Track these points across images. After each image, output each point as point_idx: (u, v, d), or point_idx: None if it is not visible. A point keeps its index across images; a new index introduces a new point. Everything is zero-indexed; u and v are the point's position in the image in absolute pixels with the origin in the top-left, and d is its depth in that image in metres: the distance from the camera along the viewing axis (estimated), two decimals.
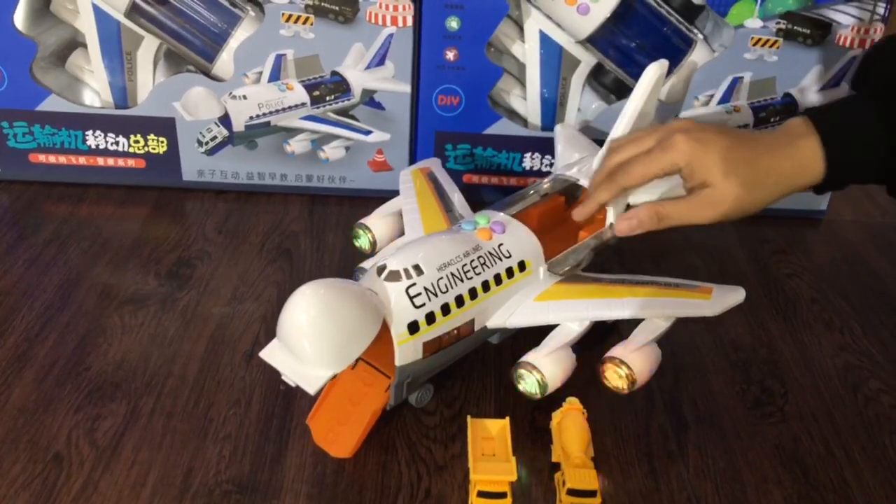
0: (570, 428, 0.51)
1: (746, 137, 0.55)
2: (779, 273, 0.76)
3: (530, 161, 0.81)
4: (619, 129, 0.63)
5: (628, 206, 0.63)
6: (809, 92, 0.78)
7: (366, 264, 0.61)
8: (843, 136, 0.54)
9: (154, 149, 0.80)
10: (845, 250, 0.80)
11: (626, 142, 0.58)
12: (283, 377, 0.48)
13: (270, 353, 0.49)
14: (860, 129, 0.54)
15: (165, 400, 0.57)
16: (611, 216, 0.62)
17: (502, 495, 0.48)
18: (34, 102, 0.77)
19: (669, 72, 0.74)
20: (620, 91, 0.80)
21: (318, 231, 0.77)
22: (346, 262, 0.72)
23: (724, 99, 0.78)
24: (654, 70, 0.62)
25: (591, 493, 0.48)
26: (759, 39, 0.75)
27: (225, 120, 0.77)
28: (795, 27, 0.74)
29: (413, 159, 0.81)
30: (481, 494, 0.48)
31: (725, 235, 0.81)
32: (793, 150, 0.54)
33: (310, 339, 0.46)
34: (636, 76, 0.63)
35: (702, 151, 0.53)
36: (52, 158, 0.80)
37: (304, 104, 0.78)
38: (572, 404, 0.53)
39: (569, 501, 0.49)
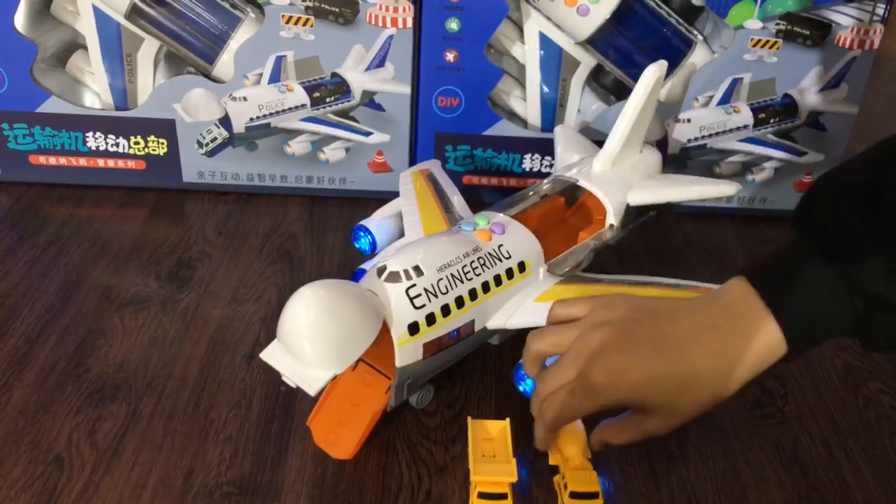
0: (567, 431, 0.51)
1: (683, 339, 0.45)
2: None
3: (530, 162, 0.81)
4: (618, 131, 0.64)
5: (628, 207, 0.63)
6: (809, 93, 0.78)
7: (365, 266, 0.61)
8: (801, 309, 0.44)
9: (154, 150, 0.80)
10: None
11: (549, 372, 0.48)
12: (283, 378, 0.48)
13: (271, 355, 0.49)
14: (819, 295, 0.44)
15: (166, 401, 0.57)
16: (611, 217, 0.62)
17: (503, 496, 0.48)
18: (34, 104, 0.77)
19: (669, 73, 0.74)
20: (620, 92, 0.80)
21: (318, 232, 0.77)
22: (346, 264, 0.72)
23: (724, 100, 0.78)
24: (653, 71, 0.62)
25: (594, 495, 0.48)
26: (759, 40, 0.75)
27: (225, 121, 0.78)
28: (795, 28, 0.74)
29: (413, 160, 0.81)
30: (482, 496, 0.48)
31: (725, 236, 0.81)
32: (744, 342, 0.44)
33: (310, 340, 0.46)
34: (636, 77, 0.63)
35: (629, 388, 0.45)
36: (52, 160, 0.80)
37: (304, 106, 0.78)
38: None
39: None
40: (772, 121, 0.79)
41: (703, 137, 0.79)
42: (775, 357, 0.45)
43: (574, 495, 0.48)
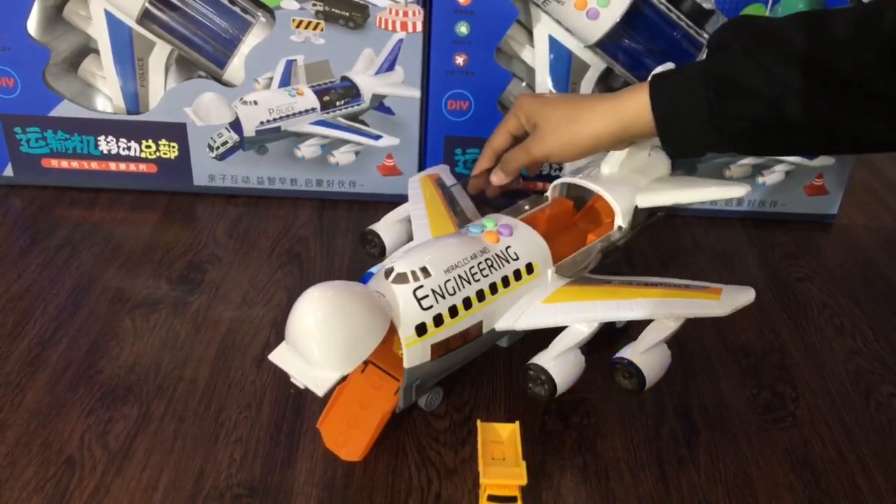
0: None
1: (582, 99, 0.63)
2: (789, 277, 0.76)
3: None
4: None
5: (636, 209, 0.63)
6: None
7: (375, 269, 0.61)
8: (669, 87, 0.56)
9: (165, 154, 0.80)
10: (856, 254, 0.80)
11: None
12: (291, 379, 0.48)
13: (279, 356, 0.49)
14: (685, 79, 0.56)
15: (177, 403, 0.57)
16: (619, 219, 0.62)
17: (512, 499, 0.48)
18: (47, 108, 0.78)
19: None
20: None
21: (328, 235, 0.78)
22: (355, 267, 0.72)
23: None
24: None
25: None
26: None
27: (236, 125, 0.78)
28: None
29: (422, 164, 0.81)
30: (491, 498, 0.48)
31: (735, 238, 0.80)
32: (618, 97, 0.58)
33: (318, 341, 0.46)
34: (645, 80, 0.63)
35: (536, 102, 0.62)
36: (64, 163, 0.81)
37: (314, 109, 0.78)
38: None
39: None
40: None
41: None
42: (644, 125, 0.57)
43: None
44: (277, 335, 0.64)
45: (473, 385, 0.60)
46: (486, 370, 0.61)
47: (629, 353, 0.54)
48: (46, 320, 0.65)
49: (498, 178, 0.65)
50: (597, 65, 0.78)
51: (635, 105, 0.57)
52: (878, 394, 0.62)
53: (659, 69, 0.60)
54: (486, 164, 0.67)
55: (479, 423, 0.51)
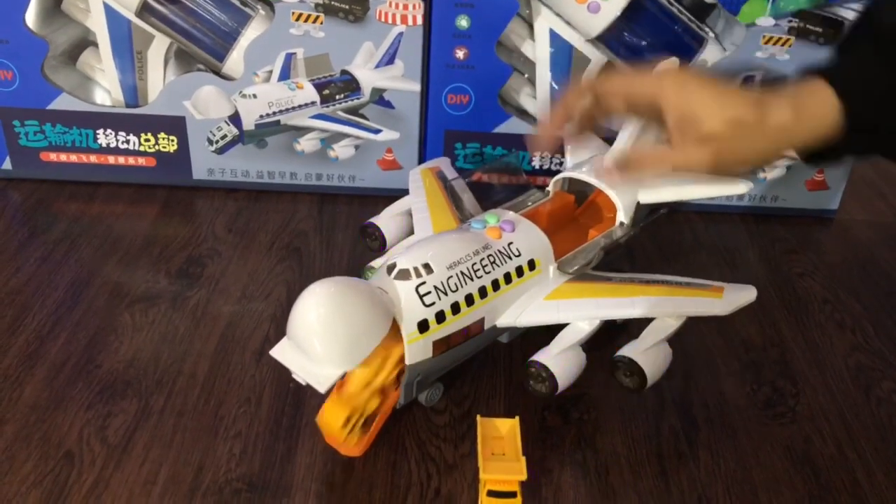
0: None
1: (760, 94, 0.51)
2: (790, 272, 0.75)
3: (539, 160, 0.81)
4: (629, 127, 0.63)
5: (638, 204, 0.63)
6: None
7: (375, 263, 0.61)
8: (858, 75, 0.48)
9: (164, 147, 0.80)
10: (857, 250, 0.80)
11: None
12: (293, 375, 0.48)
13: (281, 352, 0.49)
14: (879, 74, 0.48)
15: (176, 398, 0.57)
16: (621, 215, 0.62)
17: (512, 495, 0.48)
18: (45, 101, 0.78)
19: None
20: None
21: (328, 230, 0.77)
22: (355, 261, 0.72)
23: None
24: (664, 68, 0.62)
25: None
26: (771, 38, 0.74)
27: (235, 119, 0.78)
28: (807, 25, 0.74)
29: (422, 158, 0.81)
30: (491, 494, 0.48)
31: (736, 235, 0.80)
32: (802, 105, 0.48)
33: (320, 338, 0.46)
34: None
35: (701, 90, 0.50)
36: (63, 157, 0.81)
37: (313, 103, 0.78)
38: None
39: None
40: None
41: None
42: (829, 121, 0.47)
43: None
44: (277, 330, 0.64)
45: (473, 380, 0.60)
46: (486, 366, 0.61)
47: (630, 351, 0.53)
48: (45, 314, 0.64)
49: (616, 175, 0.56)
50: (598, 59, 0.78)
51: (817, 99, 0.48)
52: (878, 389, 0.62)
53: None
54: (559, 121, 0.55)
55: (478, 418, 0.51)
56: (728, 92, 0.49)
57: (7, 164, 0.81)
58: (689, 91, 0.49)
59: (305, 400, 0.57)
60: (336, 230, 0.77)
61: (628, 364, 0.53)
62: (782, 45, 0.75)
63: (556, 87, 0.79)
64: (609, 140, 0.67)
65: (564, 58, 0.78)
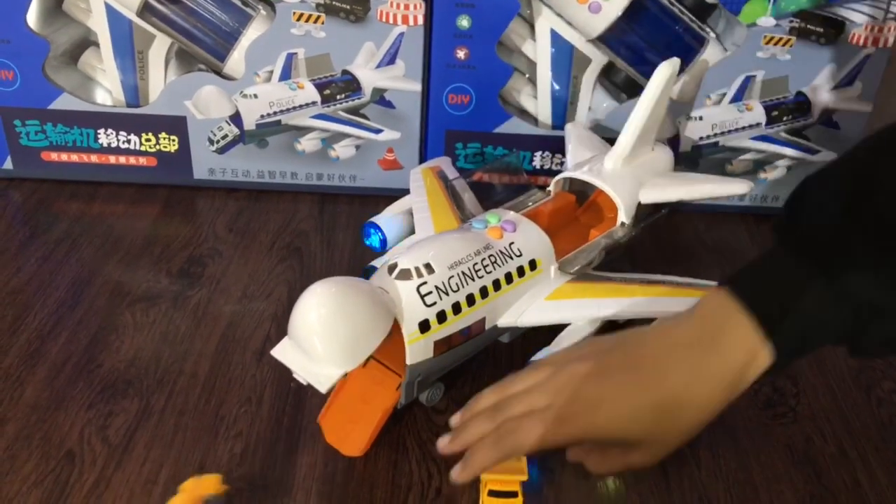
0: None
1: (657, 358, 0.41)
2: None
3: (540, 160, 0.81)
4: (630, 128, 0.63)
5: (640, 205, 0.63)
6: (822, 90, 0.77)
7: (376, 263, 0.61)
8: (787, 317, 0.40)
9: (165, 147, 0.80)
10: None
11: (516, 397, 0.44)
12: (294, 375, 0.48)
13: (282, 352, 0.49)
14: (806, 302, 0.40)
15: (177, 398, 0.57)
16: (622, 215, 0.62)
17: (513, 494, 0.48)
18: (46, 101, 0.78)
19: (681, 70, 0.74)
20: (632, 90, 0.79)
21: (329, 230, 0.77)
22: (356, 261, 0.72)
23: (737, 98, 0.77)
24: (665, 68, 0.62)
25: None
26: (772, 38, 0.74)
27: (236, 118, 0.78)
28: (808, 25, 0.74)
29: (423, 158, 0.81)
30: (492, 494, 0.48)
31: (737, 235, 0.80)
32: (723, 356, 0.41)
33: (321, 338, 0.46)
34: (648, 75, 0.63)
35: (606, 420, 0.42)
36: (63, 156, 0.81)
37: (314, 103, 0.78)
38: None
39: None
40: (784, 119, 0.78)
41: (715, 135, 0.78)
42: (759, 370, 0.41)
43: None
44: (278, 329, 0.64)
45: (474, 380, 0.60)
46: (487, 366, 0.61)
47: None
48: (46, 314, 0.64)
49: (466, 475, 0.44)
50: (599, 59, 0.78)
51: (740, 344, 0.40)
52: (879, 390, 0.62)
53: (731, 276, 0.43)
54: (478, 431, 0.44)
55: None
56: (631, 381, 0.40)
57: (8, 164, 0.81)
58: (584, 404, 0.40)
59: (307, 400, 0.57)
60: (337, 230, 0.77)
61: None
62: (783, 45, 0.75)
63: (557, 87, 0.79)
64: (610, 141, 0.68)
65: (565, 58, 0.78)
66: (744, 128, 0.78)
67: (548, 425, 0.41)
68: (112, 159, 0.81)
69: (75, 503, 0.49)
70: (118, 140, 0.80)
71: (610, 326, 0.58)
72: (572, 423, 0.41)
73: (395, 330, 0.50)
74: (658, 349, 0.42)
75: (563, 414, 0.41)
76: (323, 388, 0.47)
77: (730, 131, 0.78)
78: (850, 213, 0.40)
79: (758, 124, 0.78)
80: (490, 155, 0.80)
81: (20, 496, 0.49)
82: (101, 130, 0.79)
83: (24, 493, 0.50)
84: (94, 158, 0.81)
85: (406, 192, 0.69)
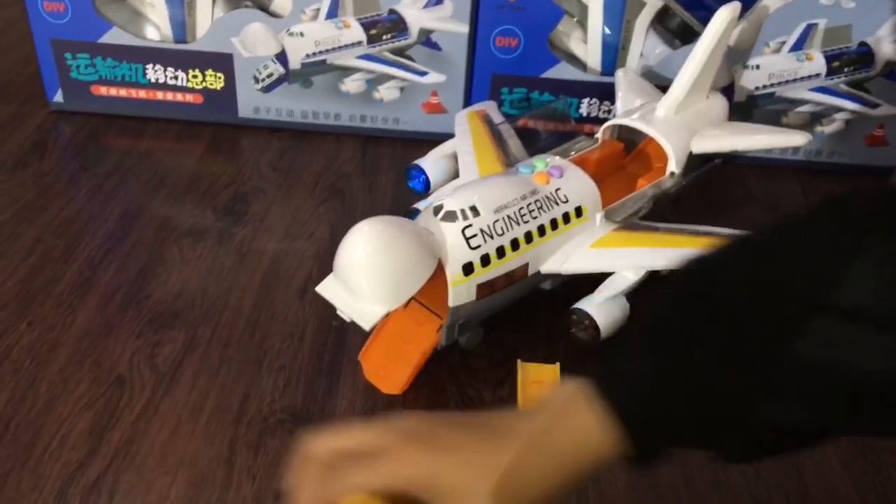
0: None
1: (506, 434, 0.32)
2: None
3: (588, 107, 0.79)
4: (684, 76, 0.61)
5: (691, 154, 0.61)
6: (886, 42, 0.74)
7: (419, 205, 0.60)
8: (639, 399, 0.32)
9: (212, 84, 0.80)
10: None
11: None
12: (337, 312, 0.49)
13: (327, 288, 0.49)
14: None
15: (222, 330, 0.58)
16: (672, 164, 0.61)
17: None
18: (97, 34, 0.78)
19: (740, 16, 0.71)
20: (686, 36, 0.77)
21: (371, 172, 0.77)
22: (398, 204, 0.72)
23: (797, 46, 0.74)
24: (724, 14, 0.60)
25: None
26: None
27: (282, 57, 0.77)
28: None
29: (468, 102, 0.80)
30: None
31: (789, 189, 0.78)
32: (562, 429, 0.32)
33: (366, 276, 0.47)
34: (704, 20, 0.61)
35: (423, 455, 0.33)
36: (112, 91, 0.81)
37: (360, 43, 0.77)
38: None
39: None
40: (846, 70, 0.75)
41: (772, 85, 0.76)
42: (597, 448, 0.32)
43: None
44: (320, 269, 0.64)
45: (514, 326, 0.60)
46: (527, 312, 0.61)
47: (586, 304, 0.53)
48: (96, 245, 0.66)
49: None
50: (653, 3, 0.75)
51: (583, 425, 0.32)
52: None
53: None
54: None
55: (519, 363, 0.51)
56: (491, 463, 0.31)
57: (59, 97, 0.82)
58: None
59: (348, 337, 0.58)
60: (379, 172, 0.77)
61: (583, 316, 0.53)
62: None
63: (609, 31, 0.77)
64: (662, 89, 0.66)
65: (618, 1, 0.75)
66: (802, 78, 0.75)
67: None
68: (160, 95, 0.81)
69: (125, 426, 0.51)
70: (165, 76, 0.80)
71: (653, 278, 0.57)
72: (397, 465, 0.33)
73: (438, 272, 0.50)
74: (466, 426, 0.34)
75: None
76: (367, 325, 0.47)
77: (787, 81, 0.75)
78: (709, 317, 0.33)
79: (817, 75, 0.75)
80: (536, 101, 0.79)
81: (72, 416, 0.51)
82: (150, 66, 0.79)
83: (76, 414, 0.52)
84: (142, 94, 0.81)
85: (449, 136, 0.68)
